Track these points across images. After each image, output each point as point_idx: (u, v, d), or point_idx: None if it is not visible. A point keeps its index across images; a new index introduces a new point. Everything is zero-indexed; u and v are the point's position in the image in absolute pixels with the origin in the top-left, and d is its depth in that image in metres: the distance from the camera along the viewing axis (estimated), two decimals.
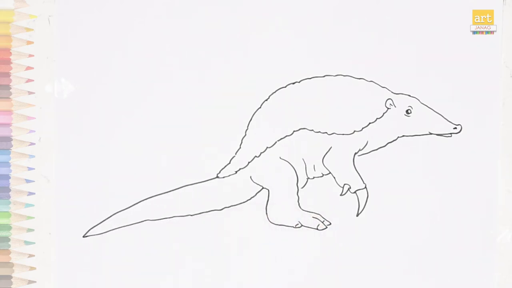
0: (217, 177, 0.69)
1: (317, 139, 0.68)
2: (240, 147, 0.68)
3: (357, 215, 0.69)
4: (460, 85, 0.68)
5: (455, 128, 0.68)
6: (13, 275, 0.69)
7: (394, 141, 0.68)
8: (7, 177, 0.68)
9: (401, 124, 0.68)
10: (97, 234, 0.69)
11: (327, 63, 0.68)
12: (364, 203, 0.69)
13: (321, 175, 0.69)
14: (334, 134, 0.68)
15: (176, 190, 0.69)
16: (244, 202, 0.69)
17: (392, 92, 0.68)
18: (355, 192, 0.69)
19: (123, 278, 0.69)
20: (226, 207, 0.69)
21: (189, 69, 0.68)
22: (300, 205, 0.69)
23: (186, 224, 0.69)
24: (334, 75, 0.68)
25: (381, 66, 0.68)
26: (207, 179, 0.69)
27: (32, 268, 0.69)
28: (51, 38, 0.68)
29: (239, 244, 0.69)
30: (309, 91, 0.68)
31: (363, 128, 0.68)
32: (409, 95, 0.68)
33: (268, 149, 0.68)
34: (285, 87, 0.68)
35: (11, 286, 0.69)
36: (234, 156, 0.68)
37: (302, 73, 0.68)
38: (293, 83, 0.68)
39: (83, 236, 0.69)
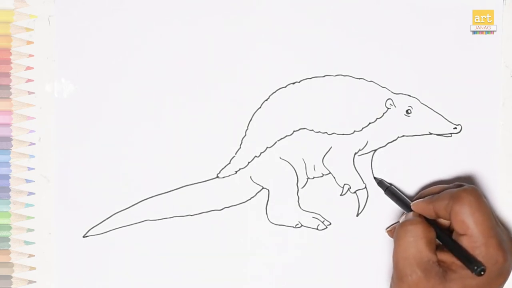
0: (217, 177, 0.69)
1: (317, 139, 0.68)
2: (240, 147, 0.68)
3: (357, 215, 0.69)
4: (460, 85, 0.68)
5: (455, 128, 0.68)
6: (13, 275, 0.69)
7: (394, 141, 0.68)
8: (7, 177, 0.68)
9: (401, 124, 0.68)
10: (97, 234, 0.69)
11: (327, 63, 0.68)
12: (364, 203, 0.69)
13: (321, 175, 0.69)
14: (334, 134, 0.68)
15: (176, 190, 0.69)
16: (244, 202, 0.69)
17: (392, 92, 0.68)
18: (355, 192, 0.69)
19: (123, 278, 0.69)
20: (226, 207, 0.69)
21: (189, 70, 0.68)
22: (300, 205, 0.69)
23: (186, 224, 0.69)
24: (334, 75, 0.68)
25: (381, 66, 0.68)
26: (207, 179, 0.69)
27: (32, 268, 0.69)
28: (51, 38, 0.68)
29: (239, 244, 0.69)
30: (309, 91, 0.68)
31: (363, 128, 0.68)
32: (409, 95, 0.68)
33: (268, 149, 0.68)
34: (285, 87, 0.68)
35: (11, 286, 0.69)
36: (234, 156, 0.68)
37: (302, 73, 0.68)
38: (293, 83, 0.68)
39: (83, 236, 0.69)
